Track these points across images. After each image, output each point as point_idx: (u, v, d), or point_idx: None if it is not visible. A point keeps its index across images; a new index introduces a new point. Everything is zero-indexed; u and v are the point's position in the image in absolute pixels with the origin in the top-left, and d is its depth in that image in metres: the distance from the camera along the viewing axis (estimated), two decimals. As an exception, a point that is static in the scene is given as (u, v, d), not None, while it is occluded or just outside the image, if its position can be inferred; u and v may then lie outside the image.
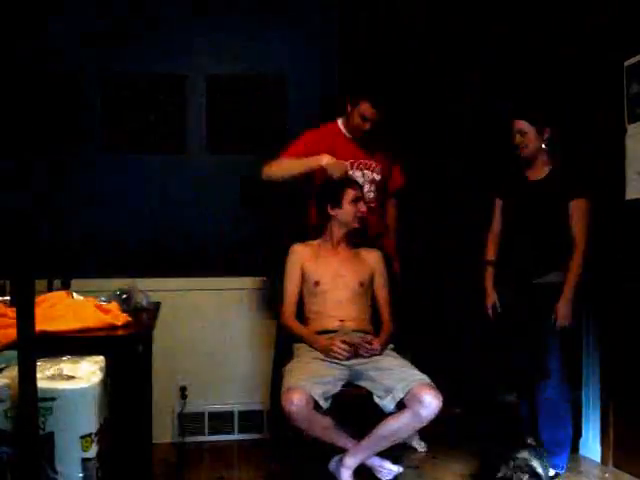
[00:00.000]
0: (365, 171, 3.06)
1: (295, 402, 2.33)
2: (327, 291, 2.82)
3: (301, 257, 2.89)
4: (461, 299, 3.70)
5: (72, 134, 3.38)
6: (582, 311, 3.03)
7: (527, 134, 2.87)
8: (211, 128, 3.50)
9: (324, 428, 2.50)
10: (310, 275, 2.85)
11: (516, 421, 3.06)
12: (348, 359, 2.61)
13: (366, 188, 3.02)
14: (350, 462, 2.52)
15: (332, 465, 2.60)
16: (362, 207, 2.83)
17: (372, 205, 3.04)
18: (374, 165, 3.07)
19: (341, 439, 2.56)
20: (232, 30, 3.53)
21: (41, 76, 3.31)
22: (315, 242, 2.96)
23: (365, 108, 2.92)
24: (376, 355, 2.65)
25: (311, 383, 2.41)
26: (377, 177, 3.08)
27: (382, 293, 2.91)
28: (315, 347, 2.69)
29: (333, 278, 2.83)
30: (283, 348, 2.88)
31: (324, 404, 2.40)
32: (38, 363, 1.52)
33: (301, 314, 2.87)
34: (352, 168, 3.01)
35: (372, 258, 2.93)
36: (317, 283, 2.83)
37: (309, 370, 2.51)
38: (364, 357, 2.62)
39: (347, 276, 2.84)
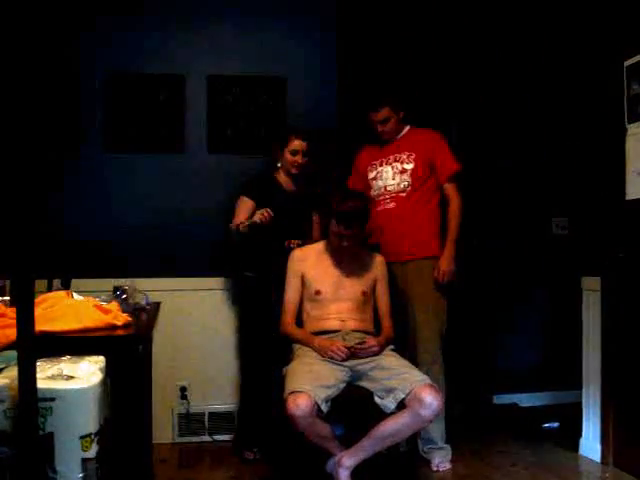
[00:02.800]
0: (394, 164, 3.16)
1: (302, 407, 2.33)
2: (328, 300, 2.81)
3: (302, 265, 2.88)
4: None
5: (72, 134, 3.37)
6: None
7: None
8: (211, 128, 3.50)
9: (322, 437, 2.51)
10: (311, 283, 2.84)
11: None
12: (346, 360, 2.61)
13: (397, 179, 3.12)
14: (349, 462, 2.52)
15: (330, 466, 2.59)
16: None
17: (402, 194, 3.11)
18: (404, 157, 3.14)
19: (336, 449, 2.56)
20: (232, 30, 3.52)
21: (41, 76, 3.30)
22: (316, 246, 2.95)
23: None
24: (375, 355, 2.65)
25: (315, 387, 2.40)
26: (408, 166, 3.12)
27: (383, 299, 2.91)
28: (312, 347, 2.69)
29: (335, 289, 2.82)
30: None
31: (325, 408, 2.39)
32: (38, 363, 1.52)
33: (299, 314, 2.87)
34: (382, 164, 3.19)
35: (375, 264, 2.92)
36: (318, 292, 2.82)
37: (312, 372, 2.51)
38: (362, 357, 2.63)
39: (349, 287, 2.83)
